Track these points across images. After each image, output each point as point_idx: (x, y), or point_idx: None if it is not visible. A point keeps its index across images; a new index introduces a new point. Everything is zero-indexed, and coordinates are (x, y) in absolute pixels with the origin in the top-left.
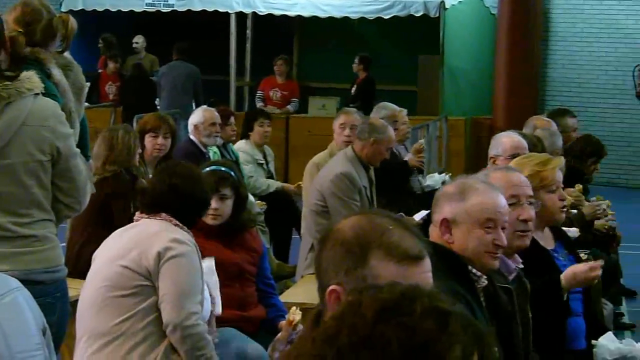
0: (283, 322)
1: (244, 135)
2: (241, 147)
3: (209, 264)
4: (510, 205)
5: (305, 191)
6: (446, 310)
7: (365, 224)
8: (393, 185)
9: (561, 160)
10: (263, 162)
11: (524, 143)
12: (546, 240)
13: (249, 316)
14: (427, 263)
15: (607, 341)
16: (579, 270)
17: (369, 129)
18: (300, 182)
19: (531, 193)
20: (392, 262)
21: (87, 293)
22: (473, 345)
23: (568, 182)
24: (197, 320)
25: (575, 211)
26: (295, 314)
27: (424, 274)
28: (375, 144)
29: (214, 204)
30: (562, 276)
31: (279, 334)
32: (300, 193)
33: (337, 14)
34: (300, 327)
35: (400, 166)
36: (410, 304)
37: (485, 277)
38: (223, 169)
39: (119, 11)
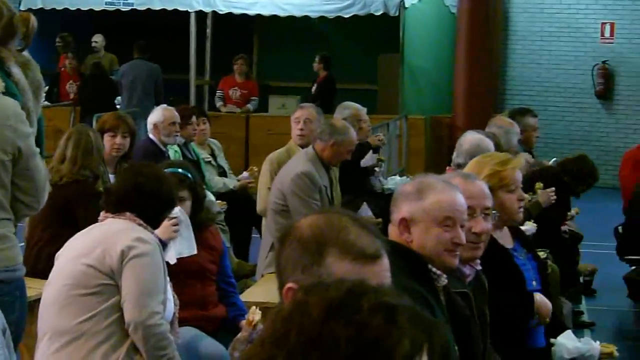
0: (243, 322)
1: None
2: (195, 146)
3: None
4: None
5: (262, 188)
6: (393, 305)
7: (322, 222)
8: (353, 184)
9: (521, 161)
10: (210, 158)
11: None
12: (505, 239)
13: (210, 315)
14: (385, 262)
15: (566, 339)
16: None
17: (329, 131)
18: (253, 167)
19: (489, 205)
20: (348, 261)
21: (49, 291)
22: (422, 337)
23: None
24: (160, 320)
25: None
26: (254, 314)
27: (381, 272)
28: (336, 146)
29: None
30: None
31: (239, 334)
32: (255, 177)
33: (297, 13)
34: (261, 326)
35: (360, 151)
36: (357, 301)
37: (445, 276)
38: (180, 170)
39: (79, 10)
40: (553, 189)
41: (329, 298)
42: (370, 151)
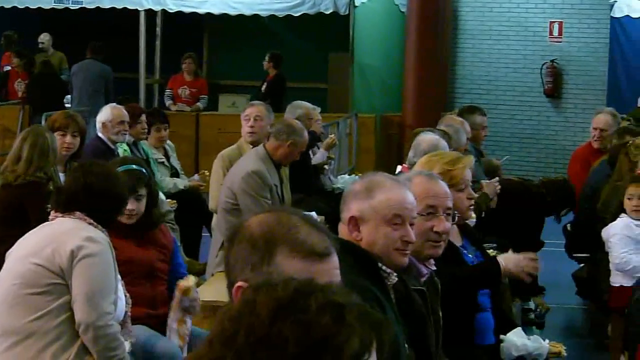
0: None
1: None
2: (145, 145)
3: None
4: (426, 214)
5: (214, 185)
6: (341, 304)
7: (272, 221)
8: (304, 183)
9: (471, 159)
10: (164, 159)
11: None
12: (454, 236)
13: (160, 315)
14: (334, 260)
15: (515, 336)
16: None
17: (287, 131)
18: (205, 170)
19: (450, 205)
20: (298, 259)
21: None
22: (371, 335)
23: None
24: (111, 321)
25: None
26: (186, 281)
27: (331, 270)
28: (292, 146)
29: (130, 204)
30: (502, 258)
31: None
32: (206, 181)
33: (247, 11)
34: (196, 294)
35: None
36: (305, 300)
37: (395, 274)
38: (135, 167)
39: (27, 8)
40: (497, 179)
41: (277, 298)
42: (321, 149)
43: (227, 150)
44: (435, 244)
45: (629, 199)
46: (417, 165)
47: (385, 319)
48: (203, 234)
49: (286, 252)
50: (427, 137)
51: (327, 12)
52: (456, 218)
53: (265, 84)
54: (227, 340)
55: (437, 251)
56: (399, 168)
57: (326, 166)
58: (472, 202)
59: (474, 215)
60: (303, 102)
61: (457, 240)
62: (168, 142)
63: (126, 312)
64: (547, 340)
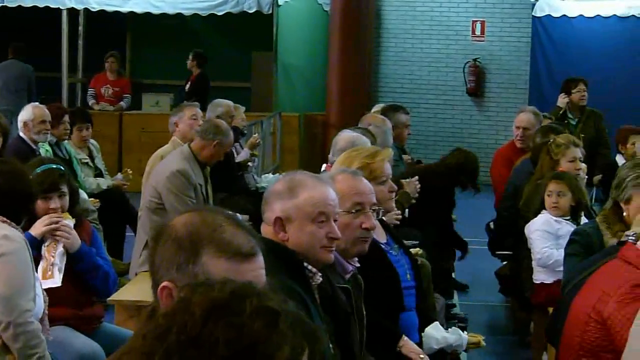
0: None
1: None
2: (68, 145)
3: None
4: (354, 212)
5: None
6: (275, 310)
7: (197, 220)
8: (228, 181)
9: (389, 152)
10: (88, 159)
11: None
12: (378, 233)
13: (84, 315)
14: (260, 260)
15: (434, 330)
16: None
17: (214, 131)
18: (128, 169)
19: (375, 201)
20: (224, 259)
21: None
22: (303, 344)
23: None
24: (30, 318)
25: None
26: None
27: (257, 271)
28: (218, 146)
29: (55, 202)
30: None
31: None
32: (130, 180)
33: (170, 10)
34: (68, 222)
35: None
36: (240, 303)
37: (320, 274)
38: (54, 166)
39: None
40: (417, 177)
41: (213, 298)
42: (245, 148)
43: (163, 149)
44: (364, 240)
45: (548, 195)
46: (337, 163)
47: (318, 328)
48: (127, 234)
49: (212, 253)
50: (344, 135)
51: (251, 11)
52: (381, 214)
53: (189, 83)
54: (159, 336)
55: (365, 247)
56: (324, 167)
57: (250, 163)
58: (393, 195)
59: (398, 212)
60: (224, 100)
61: (382, 238)
62: (93, 142)
63: (43, 310)
64: (466, 332)
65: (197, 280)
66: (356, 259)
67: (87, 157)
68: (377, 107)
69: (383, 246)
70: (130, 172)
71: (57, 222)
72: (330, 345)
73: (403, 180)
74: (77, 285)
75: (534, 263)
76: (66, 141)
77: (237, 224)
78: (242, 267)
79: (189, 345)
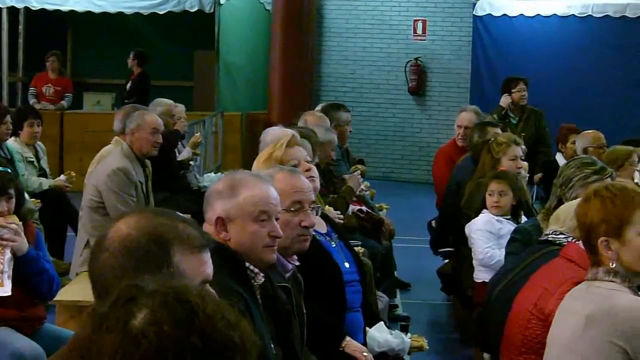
0: None
1: (14, 133)
2: (10, 145)
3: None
4: (293, 210)
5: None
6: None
7: (152, 223)
8: (169, 180)
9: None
10: (33, 159)
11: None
12: (318, 224)
13: (26, 316)
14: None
15: (377, 332)
16: None
17: (125, 120)
18: (70, 171)
19: (314, 198)
20: (190, 254)
21: None
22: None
23: None
24: None
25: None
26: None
27: (209, 260)
28: (137, 133)
29: (2, 206)
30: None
31: None
32: (73, 182)
33: (111, 9)
34: (14, 225)
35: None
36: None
37: (262, 274)
38: (1, 169)
39: None
40: (359, 172)
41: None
42: (187, 147)
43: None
44: (304, 237)
45: (489, 195)
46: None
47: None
48: (68, 234)
49: (181, 251)
50: (271, 131)
51: (192, 10)
52: (319, 212)
53: (130, 82)
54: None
55: (306, 245)
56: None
57: (192, 162)
58: (314, 178)
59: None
60: (164, 99)
61: (322, 228)
62: (40, 144)
63: None
64: (409, 335)
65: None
66: (295, 257)
67: (33, 157)
68: (320, 107)
69: (322, 237)
70: (74, 174)
71: (4, 227)
72: (272, 345)
73: (345, 176)
74: (19, 286)
75: (475, 262)
76: (8, 140)
77: (183, 219)
78: (203, 258)
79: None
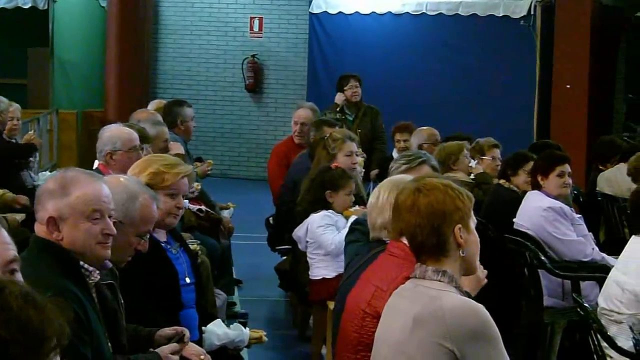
0: None
1: None
2: None
3: None
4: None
5: None
6: None
7: None
8: (4, 179)
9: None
10: None
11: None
12: (158, 233)
13: None
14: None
15: (215, 327)
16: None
17: None
18: None
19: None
20: None
21: None
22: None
23: None
24: None
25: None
26: None
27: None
28: None
29: None
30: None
31: None
32: None
33: None
34: None
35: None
36: None
37: (97, 272)
38: None
39: None
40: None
41: None
42: (31, 172)
43: None
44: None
45: None
46: (134, 166)
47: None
48: None
49: None
50: (108, 128)
51: (26, 7)
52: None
53: None
54: None
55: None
56: (96, 164)
57: (32, 158)
58: (182, 211)
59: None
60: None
61: (162, 237)
62: None
63: None
64: (247, 328)
65: None
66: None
67: None
68: (153, 104)
69: (163, 245)
70: None
71: None
72: (109, 343)
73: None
74: None
75: (311, 260)
76: None
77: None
78: None
79: None
